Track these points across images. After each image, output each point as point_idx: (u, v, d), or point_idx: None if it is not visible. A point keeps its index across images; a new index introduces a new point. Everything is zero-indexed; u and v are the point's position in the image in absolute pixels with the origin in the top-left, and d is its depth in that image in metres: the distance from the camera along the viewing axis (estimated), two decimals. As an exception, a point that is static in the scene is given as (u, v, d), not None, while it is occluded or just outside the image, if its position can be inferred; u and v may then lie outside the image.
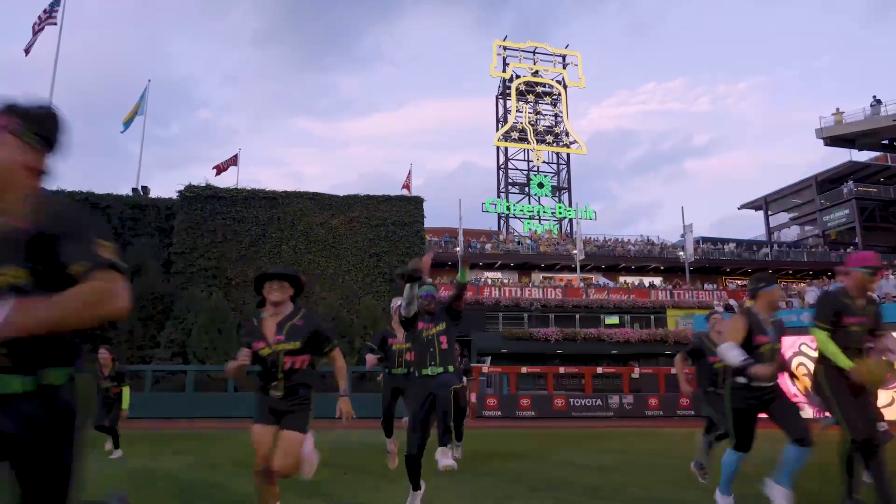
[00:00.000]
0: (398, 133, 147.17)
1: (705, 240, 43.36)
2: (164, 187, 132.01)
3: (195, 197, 23.27)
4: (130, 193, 25.79)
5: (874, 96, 24.02)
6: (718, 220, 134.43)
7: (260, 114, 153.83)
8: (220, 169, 34.56)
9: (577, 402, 19.62)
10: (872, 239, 43.73)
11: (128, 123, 31.09)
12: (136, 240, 22.93)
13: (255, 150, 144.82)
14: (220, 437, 11.43)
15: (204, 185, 23.59)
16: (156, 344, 20.48)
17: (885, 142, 23.88)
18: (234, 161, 34.64)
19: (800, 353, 18.29)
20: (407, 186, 36.34)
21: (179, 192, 23.50)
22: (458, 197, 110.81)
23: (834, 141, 24.72)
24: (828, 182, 46.18)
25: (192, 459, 7.86)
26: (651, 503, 5.01)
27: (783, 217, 52.24)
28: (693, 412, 19.39)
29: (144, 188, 26.50)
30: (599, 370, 20.29)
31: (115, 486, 5.25)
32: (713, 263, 39.22)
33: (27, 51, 29.75)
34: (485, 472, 6.63)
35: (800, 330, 18.56)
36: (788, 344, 18.10)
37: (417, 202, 24.58)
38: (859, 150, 26.68)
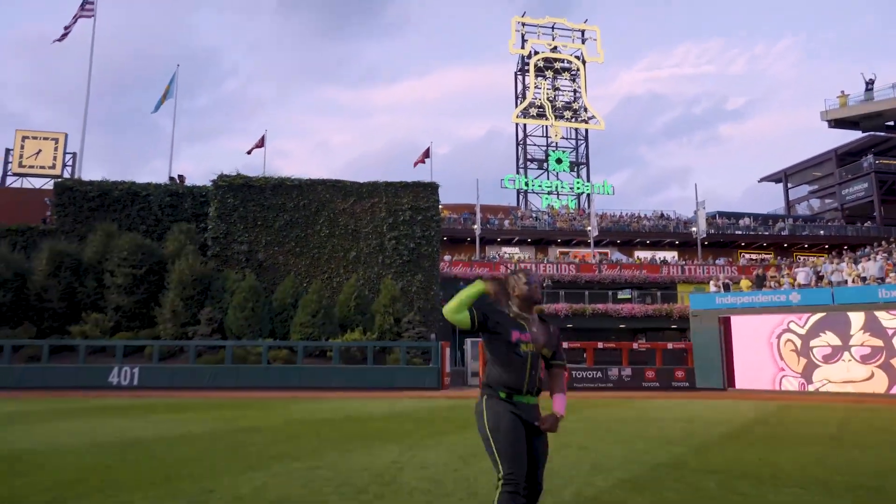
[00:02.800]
0: (425, 101, 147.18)
1: (721, 214, 43.96)
2: (194, 160, 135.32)
3: (227, 186, 25.17)
4: (168, 182, 27.87)
5: (863, 76, 24.16)
6: (749, 189, 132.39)
7: (286, 83, 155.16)
8: (250, 151, 36.62)
9: (579, 374, 21.28)
10: (891, 212, 43.82)
11: (158, 105, 33.10)
12: (174, 225, 25.04)
13: (283, 121, 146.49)
14: (256, 405, 13.39)
15: (235, 174, 25.44)
16: (196, 321, 22.65)
17: (891, 123, 24.36)
18: (261, 143, 36.59)
19: (788, 329, 19.56)
20: (420, 161, 37.89)
21: (213, 181, 25.41)
22: (484, 166, 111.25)
23: (838, 123, 25.28)
24: (848, 155, 46.10)
25: (244, 423, 9.74)
26: (579, 452, 6.63)
27: (804, 190, 52.27)
28: (687, 384, 20.91)
29: (181, 177, 28.56)
30: (600, 345, 21.85)
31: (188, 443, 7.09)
32: (727, 238, 39.99)
33: (62, 38, 31.79)
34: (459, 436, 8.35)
35: (788, 308, 19.89)
36: (776, 321, 19.52)
37: (433, 188, 26.08)
38: (863, 132, 27.11)
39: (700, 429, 9.75)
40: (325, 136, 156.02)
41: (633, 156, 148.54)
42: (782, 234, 40.92)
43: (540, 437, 2.98)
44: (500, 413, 2.91)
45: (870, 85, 24.41)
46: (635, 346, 21.87)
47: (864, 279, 19.57)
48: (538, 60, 47.00)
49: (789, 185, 52.09)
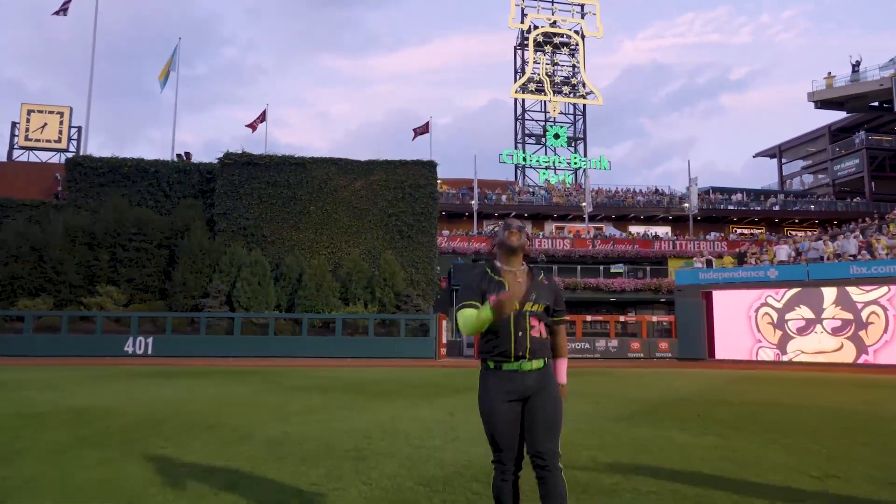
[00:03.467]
0: (426, 70, 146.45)
1: (715, 189, 44.88)
2: (192, 129, 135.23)
3: (233, 163, 26.11)
4: (174, 159, 28.79)
5: (850, 58, 24.84)
6: (748, 162, 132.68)
7: (285, 52, 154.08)
8: (253, 127, 37.40)
9: (569, 345, 22.53)
10: (882, 188, 44.69)
11: (164, 82, 33.82)
12: (182, 201, 26.05)
13: (283, 91, 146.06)
14: (266, 372, 14.61)
15: (241, 152, 26.35)
16: (206, 294, 23.83)
17: (875, 104, 25.17)
18: (262, 117, 37.37)
19: (765, 304, 20.73)
20: (421, 134, 38.69)
21: (219, 158, 26.32)
22: (485, 137, 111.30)
23: (824, 104, 26.12)
24: (841, 131, 46.72)
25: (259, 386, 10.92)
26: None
27: (798, 165, 53.05)
28: (670, 355, 22.17)
29: (187, 154, 29.48)
30: (589, 318, 23.07)
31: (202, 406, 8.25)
32: (720, 213, 40.98)
33: (61, 12, 32.33)
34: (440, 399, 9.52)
35: (766, 284, 21.03)
36: (755, 296, 20.67)
37: (431, 166, 27.02)
38: (848, 112, 27.91)
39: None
40: (325, 106, 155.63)
41: (634, 127, 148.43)
42: (774, 209, 41.90)
43: (545, 401, 2.79)
44: (488, 397, 2.81)
45: (856, 67, 25.18)
46: (622, 318, 23.08)
47: (839, 256, 20.67)
48: (537, 35, 47.36)
49: (783, 160, 52.85)
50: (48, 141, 36.92)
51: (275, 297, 24.28)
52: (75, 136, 36.95)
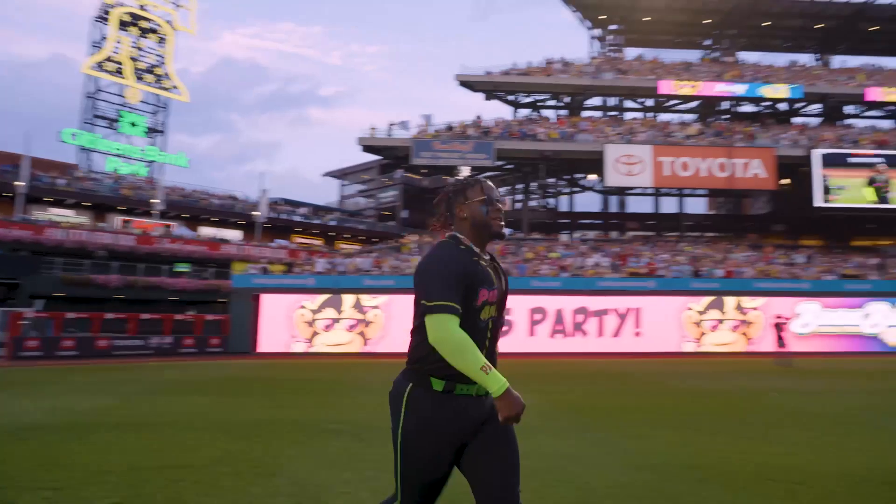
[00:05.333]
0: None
1: (286, 201, 49.95)
2: None
3: None
4: None
5: (396, 121, 32.49)
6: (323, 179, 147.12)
7: None
8: None
9: (121, 342, 22.79)
10: (413, 217, 57.25)
11: None
12: None
13: None
14: None
15: None
16: None
17: (401, 157, 33.08)
18: None
19: (302, 307, 25.10)
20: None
21: None
22: (44, 103, 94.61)
23: (367, 149, 33.00)
24: (387, 166, 58.05)
25: None
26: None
27: (356, 188, 63.11)
28: (221, 349, 24.63)
29: None
30: (144, 316, 23.78)
31: None
32: (286, 223, 45.88)
33: None
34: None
35: (306, 290, 25.32)
36: (295, 300, 24.73)
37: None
38: (384, 158, 35.85)
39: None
40: None
41: (224, 121, 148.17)
42: (331, 223, 49.14)
43: (503, 438, 2.12)
44: (432, 434, 2.07)
45: (400, 125, 32.68)
46: (178, 317, 24.52)
47: (359, 270, 26.69)
48: (123, 14, 44.31)
49: (345, 182, 62.07)
50: None
51: None
52: None
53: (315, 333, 25.22)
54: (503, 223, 2.25)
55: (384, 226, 52.81)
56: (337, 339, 25.18)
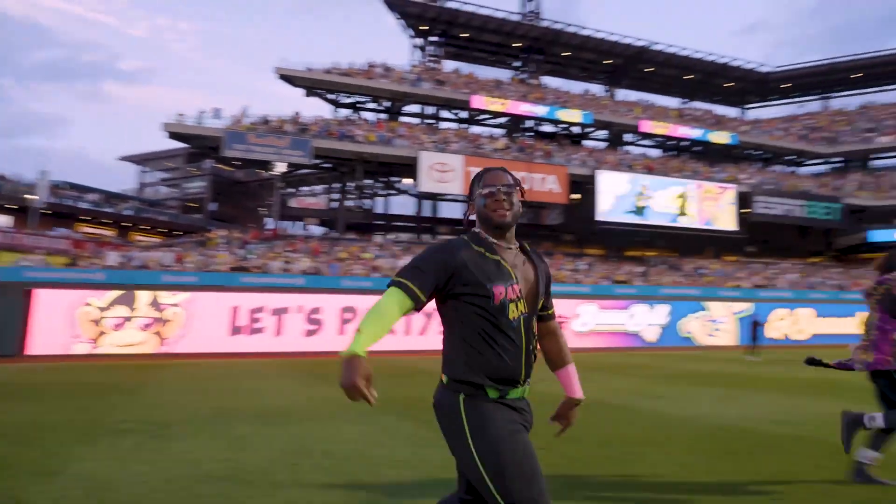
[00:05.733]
0: None
1: (71, 185, 44.24)
2: None
3: None
4: None
5: (210, 108, 30.16)
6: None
7: None
8: None
9: None
10: (224, 210, 54.01)
11: None
12: None
13: None
14: None
15: None
16: None
17: (212, 147, 31.13)
18: None
19: (88, 304, 22.56)
20: None
21: None
22: None
23: (175, 136, 30.49)
24: (197, 155, 54.15)
25: None
26: None
27: (158, 175, 57.90)
28: None
29: None
30: None
31: None
32: (71, 210, 40.70)
33: None
34: None
35: (93, 285, 22.84)
36: (80, 295, 22.08)
37: None
38: (194, 147, 33.51)
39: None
40: None
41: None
42: (126, 213, 44.56)
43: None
44: (492, 417, 1.92)
45: (213, 112, 30.61)
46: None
47: (161, 265, 24.68)
48: None
49: (145, 169, 56.65)
50: None
51: None
52: None
53: (102, 333, 22.81)
54: (504, 212, 2.07)
55: (189, 218, 49.29)
56: (128, 339, 23.03)
